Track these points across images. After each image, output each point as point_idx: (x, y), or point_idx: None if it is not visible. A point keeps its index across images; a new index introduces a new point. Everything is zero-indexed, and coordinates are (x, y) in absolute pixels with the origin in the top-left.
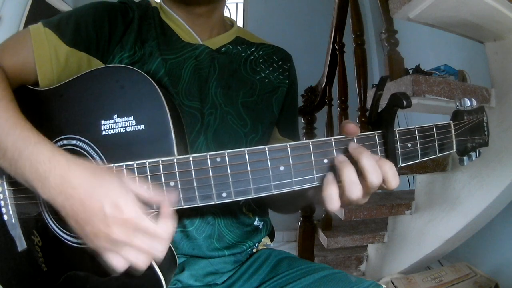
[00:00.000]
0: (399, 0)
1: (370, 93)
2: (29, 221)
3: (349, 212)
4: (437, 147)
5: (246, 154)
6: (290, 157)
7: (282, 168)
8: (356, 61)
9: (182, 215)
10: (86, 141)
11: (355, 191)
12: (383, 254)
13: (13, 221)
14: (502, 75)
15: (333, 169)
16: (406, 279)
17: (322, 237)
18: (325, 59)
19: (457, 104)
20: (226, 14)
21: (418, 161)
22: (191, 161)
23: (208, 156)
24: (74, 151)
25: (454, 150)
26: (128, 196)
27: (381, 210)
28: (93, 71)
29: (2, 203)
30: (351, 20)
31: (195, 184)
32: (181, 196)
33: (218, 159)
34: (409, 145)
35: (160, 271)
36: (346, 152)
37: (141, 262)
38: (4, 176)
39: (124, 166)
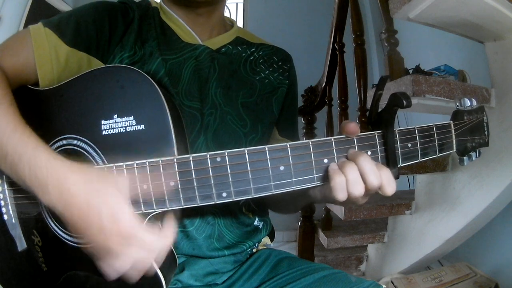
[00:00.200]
0: (399, 0)
1: (370, 93)
2: (29, 221)
3: (349, 212)
4: (437, 147)
5: (246, 154)
6: (290, 157)
7: (282, 168)
8: (356, 61)
9: (182, 215)
10: (86, 141)
11: (358, 187)
12: (383, 254)
13: (13, 221)
14: (502, 75)
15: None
16: (406, 279)
17: (322, 237)
18: (325, 59)
19: (457, 104)
20: (226, 14)
21: (418, 161)
22: (191, 161)
23: (208, 156)
24: (74, 151)
25: (454, 150)
26: (124, 206)
27: (381, 210)
28: (93, 71)
29: (2, 203)
30: (351, 20)
31: (195, 184)
32: (181, 196)
33: (218, 159)
34: (409, 145)
35: (160, 271)
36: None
37: (135, 273)
38: (4, 176)
39: (124, 166)
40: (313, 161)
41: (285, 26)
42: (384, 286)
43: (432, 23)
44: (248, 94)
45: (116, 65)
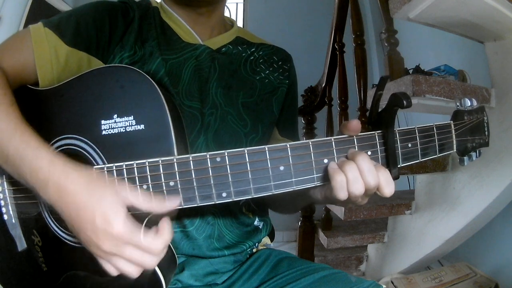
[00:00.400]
0: (399, 0)
1: (370, 93)
2: (29, 221)
3: (349, 212)
4: (437, 147)
5: (246, 154)
6: (290, 157)
7: (282, 168)
8: (356, 61)
9: (182, 215)
10: (86, 141)
11: (359, 186)
12: (383, 254)
13: (13, 221)
14: (502, 75)
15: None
16: (406, 279)
17: (322, 237)
18: (325, 59)
19: (458, 104)
20: (226, 14)
21: (418, 161)
22: (191, 161)
23: (208, 156)
24: (74, 151)
25: (455, 150)
26: (119, 210)
27: (381, 210)
28: (93, 71)
29: (2, 203)
30: (351, 20)
31: (195, 184)
32: (181, 196)
33: (218, 159)
34: (409, 145)
35: (160, 271)
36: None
37: (131, 272)
38: (4, 176)
39: (124, 166)
40: (313, 161)
41: (285, 26)
42: (384, 286)
43: (432, 23)
44: (248, 94)
45: (116, 65)
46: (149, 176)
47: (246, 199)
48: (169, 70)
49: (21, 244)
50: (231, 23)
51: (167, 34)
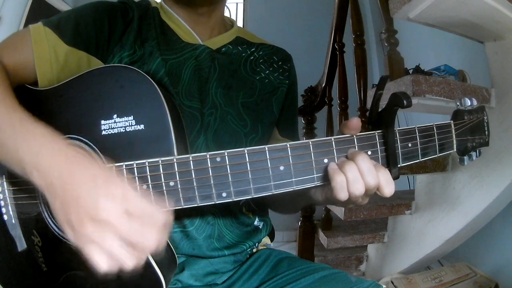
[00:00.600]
0: (399, 0)
1: (370, 93)
2: (29, 221)
3: (349, 212)
4: (437, 147)
5: (246, 154)
6: (290, 156)
7: (282, 168)
8: (356, 61)
9: (182, 215)
10: (86, 140)
11: (359, 186)
12: (383, 254)
13: (13, 221)
14: (502, 75)
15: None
16: (406, 279)
17: (322, 237)
18: (325, 59)
19: (458, 103)
20: (226, 14)
21: (418, 161)
22: (191, 161)
23: (208, 156)
24: None
25: (455, 149)
26: (110, 170)
27: (381, 210)
28: (93, 71)
29: (2, 203)
30: (351, 20)
31: (195, 184)
32: (181, 196)
33: (218, 159)
34: (409, 144)
35: (160, 271)
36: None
37: (129, 257)
38: (4, 176)
39: (124, 166)
40: (313, 161)
41: (285, 26)
42: (384, 286)
43: (432, 23)
44: (248, 94)
45: (116, 65)
46: (149, 176)
47: (246, 199)
48: (169, 70)
49: (21, 244)
50: (231, 23)
51: (166, 34)
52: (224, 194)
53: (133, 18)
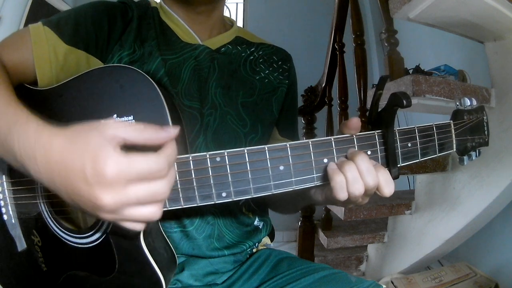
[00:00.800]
0: (399, 0)
1: (370, 93)
2: (29, 221)
3: (349, 212)
4: (437, 147)
5: (246, 153)
6: (290, 156)
7: (281, 167)
8: (356, 61)
9: (182, 214)
10: None
11: (358, 186)
12: (383, 254)
13: (13, 221)
14: (502, 75)
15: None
16: (406, 279)
17: (322, 237)
18: (325, 59)
19: (457, 103)
20: (226, 14)
21: (418, 160)
22: (191, 161)
23: (207, 156)
24: None
25: (454, 149)
26: (105, 150)
27: (381, 210)
28: (93, 71)
29: (2, 203)
30: (351, 20)
31: (194, 184)
32: (180, 195)
33: (218, 159)
34: (409, 144)
35: (160, 271)
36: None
37: (151, 212)
38: (4, 176)
39: None
40: (313, 161)
41: (285, 26)
42: (384, 286)
43: (432, 23)
44: (248, 94)
45: (116, 64)
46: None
47: (246, 199)
48: (168, 70)
49: (21, 244)
50: (230, 23)
51: (166, 34)
52: (224, 194)
53: (133, 18)
